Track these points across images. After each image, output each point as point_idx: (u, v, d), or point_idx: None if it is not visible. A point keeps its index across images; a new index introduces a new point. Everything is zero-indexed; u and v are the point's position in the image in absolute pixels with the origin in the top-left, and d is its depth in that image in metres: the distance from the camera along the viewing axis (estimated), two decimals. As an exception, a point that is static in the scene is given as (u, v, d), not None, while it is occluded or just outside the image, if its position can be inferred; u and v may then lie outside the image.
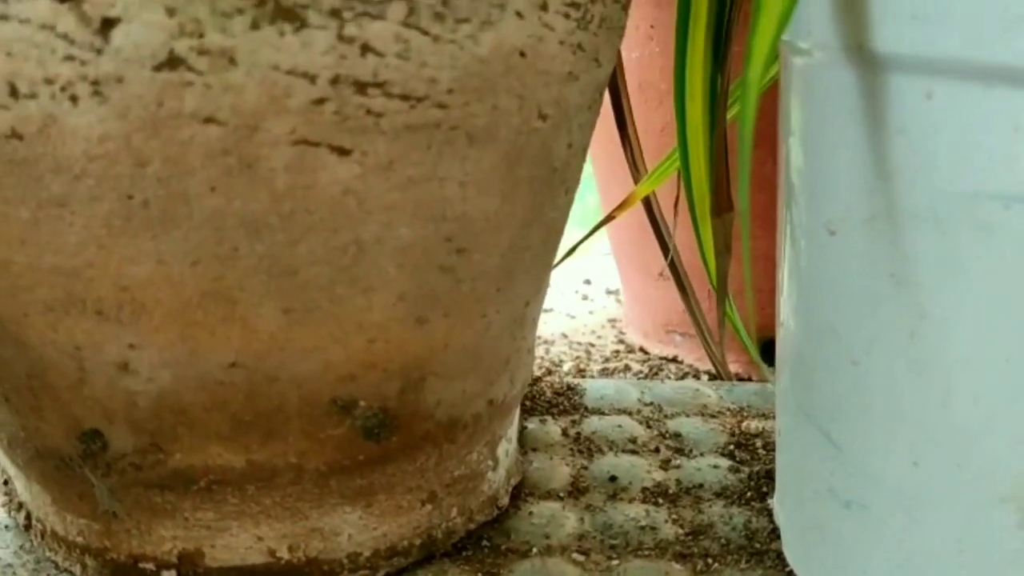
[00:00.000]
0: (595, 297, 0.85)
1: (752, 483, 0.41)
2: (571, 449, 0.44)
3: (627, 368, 0.67)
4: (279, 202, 0.26)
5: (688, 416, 0.47)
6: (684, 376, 0.66)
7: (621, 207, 0.43)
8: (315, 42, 0.24)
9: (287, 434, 0.30)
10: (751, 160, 0.25)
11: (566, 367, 0.67)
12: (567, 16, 0.28)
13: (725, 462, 0.43)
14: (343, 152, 0.26)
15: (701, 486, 0.41)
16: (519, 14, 0.27)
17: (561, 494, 0.40)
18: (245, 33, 0.23)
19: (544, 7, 0.27)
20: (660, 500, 0.40)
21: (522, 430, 0.45)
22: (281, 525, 0.32)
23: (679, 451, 0.44)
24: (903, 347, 0.27)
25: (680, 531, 0.37)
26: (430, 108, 0.26)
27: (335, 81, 0.24)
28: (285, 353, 0.29)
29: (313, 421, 0.30)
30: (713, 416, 0.47)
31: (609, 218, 0.44)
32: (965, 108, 0.23)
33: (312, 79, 0.24)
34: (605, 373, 0.67)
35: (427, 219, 0.28)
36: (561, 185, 0.33)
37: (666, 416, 0.47)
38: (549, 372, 0.65)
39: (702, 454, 0.44)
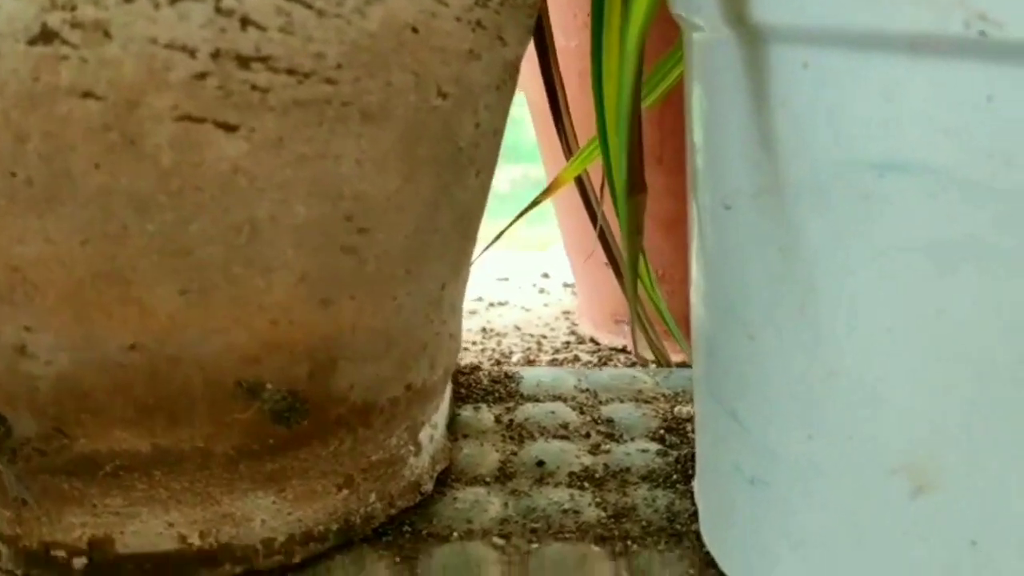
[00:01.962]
0: (552, 290, 0.85)
1: (679, 466, 0.41)
2: (502, 435, 0.44)
3: (576, 359, 0.67)
4: (166, 179, 0.26)
5: (622, 402, 0.47)
6: (632, 365, 0.66)
7: (547, 192, 0.43)
8: (192, 15, 0.24)
9: (193, 418, 0.30)
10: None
11: (515, 358, 0.67)
12: (463, -7, 0.28)
13: (654, 446, 0.43)
14: (230, 128, 0.25)
15: (628, 470, 0.41)
16: (408, -11, 0.27)
17: (488, 479, 0.40)
18: (118, 5, 0.23)
19: (436, -17, 0.27)
20: (586, 484, 0.40)
21: (455, 417, 0.45)
22: (191, 511, 0.32)
23: (610, 436, 0.44)
24: (794, 321, 0.27)
25: (603, 514, 0.38)
26: (319, 84, 0.26)
27: (216, 55, 0.24)
28: (186, 335, 0.28)
29: (219, 404, 0.30)
30: (647, 402, 0.48)
31: (535, 203, 0.44)
32: (838, 77, 0.24)
33: (192, 53, 0.24)
34: (554, 364, 0.67)
35: (324, 197, 0.28)
36: (470, 166, 0.33)
37: (601, 402, 0.47)
38: (498, 363, 0.65)
39: (632, 439, 0.44)
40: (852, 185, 0.24)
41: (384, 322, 0.32)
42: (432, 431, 0.39)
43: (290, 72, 0.25)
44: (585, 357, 0.68)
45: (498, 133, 0.35)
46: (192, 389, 0.29)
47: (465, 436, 0.44)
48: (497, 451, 0.42)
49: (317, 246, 0.29)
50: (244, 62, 0.25)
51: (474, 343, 0.70)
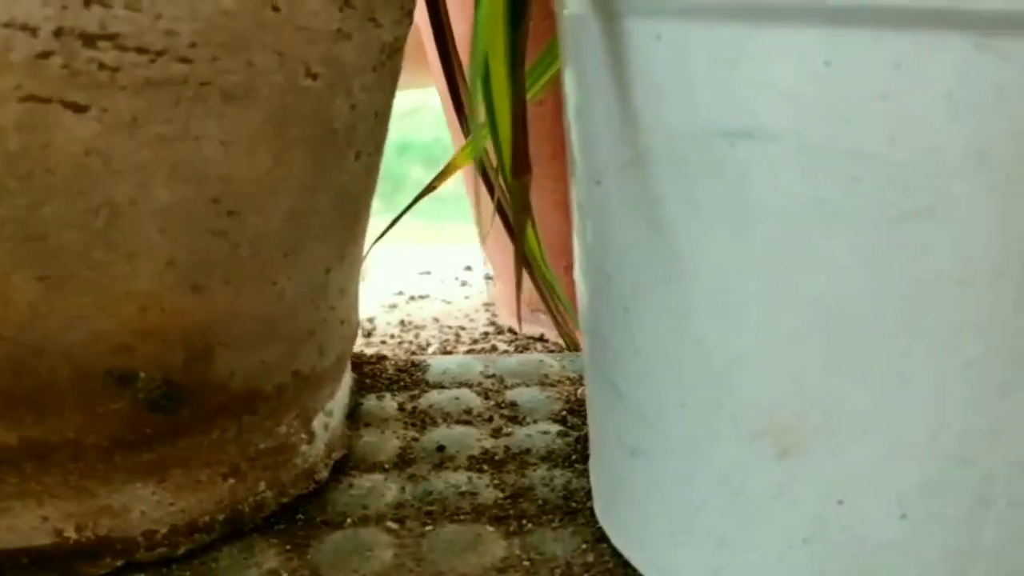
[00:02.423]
0: (475, 282, 0.85)
1: (578, 446, 0.41)
2: (405, 423, 0.44)
3: (494, 348, 0.67)
4: (14, 163, 0.25)
5: (528, 386, 0.47)
6: (548, 352, 0.66)
7: (440, 177, 0.43)
8: (29, -8, 0.23)
9: (62, 409, 0.29)
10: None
11: (431, 350, 0.67)
12: (325, -29, 0.28)
13: (556, 427, 0.43)
14: (79, 109, 0.25)
15: (528, 451, 0.41)
16: (265, -34, 0.26)
17: (387, 466, 0.40)
18: (-52, -17, 0.22)
19: (295, -39, 0.27)
20: (485, 467, 0.40)
21: (357, 406, 0.45)
22: (66, 504, 0.31)
23: (513, 419, 0.44)
24: (662, 291, 0.27)
25: (500, 495, 0.38)
26: (172, 63, 0.26)
27: (59, 33, 0.24)
28: (48, 324, 0.28)
29: (89, 395, 0.29)
30: (552, 385, 0.48)
31: (429, 188, 0.44)
32: (688, 47, 0.24)
33: (33, 31, 0.23)
34: (471, 354, 0.67)
35: (187, 180, 0.27)
36: (348, 148, 0.32)
37: (506, 387, 0.47)
38: (413, 354, 0.65)
39: (535, 421, 0.44)
40: (706, 154, 0.24)
41: (265, 308, 0.32)
42: (327, 419, 0.38)
43: (140, 51, 0.25)
44: (502, 347, 0.68)
45: (380, 115, 0.35)
46: (59, 380, 0.29)
47: (367, 425, 0.43)
48: (398, 438, 0.42)
49: (183, 230, 0.28)
50: (90, 40, 0.24)
51: (392, 336, 0.70)
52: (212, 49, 0.26)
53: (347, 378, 0.43)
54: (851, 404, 0.25)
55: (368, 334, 0.71)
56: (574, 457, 0.40)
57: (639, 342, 0.29)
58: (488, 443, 0.42)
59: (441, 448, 0.41)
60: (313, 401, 0.37)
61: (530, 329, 0.70)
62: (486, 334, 0.71)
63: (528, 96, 0.42)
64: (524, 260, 0.49)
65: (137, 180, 0.27)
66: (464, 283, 0.85)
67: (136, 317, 0.29)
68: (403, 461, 0.40)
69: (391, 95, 0.36)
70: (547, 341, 0.68)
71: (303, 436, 0.36)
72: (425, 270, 0.88)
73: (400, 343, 0.69)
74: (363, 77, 0.32)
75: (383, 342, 0.70)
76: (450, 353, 0.67)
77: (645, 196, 0.27)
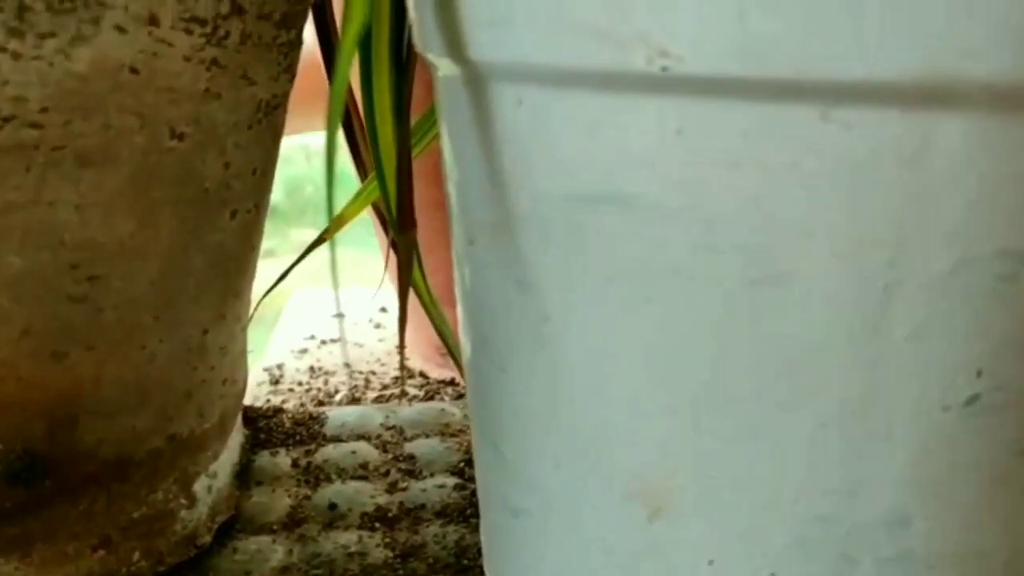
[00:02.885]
0: (389, 324, 0.84)
1: (474, 499, 0.41)
2: (297, 480, 0.43)
3: (404, 394, 0.67)
4: None
5: (428, 437, 0.47)
6: (459, 397, 0.65)
7: (330, 229, 0.42)
8: None
9: (-89, 486, 0.28)
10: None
11: (339, 397, 0.66)
12: (189, 32, 0.27)
13: (453, 480, 0.43)
14: (-81, 178, 0.24)
15: (423, 507, 0.40)
16: (120, 28, 0.26)
17: (275, 527, 0.39)
18: None
19: (154, 22, 0.26)
20: (378, 524, 0.39)
21: (250, 464, 0.44)
22: (-81, 586, 0.29)
23: (409, 473, 0.43)
24: (534, 351, 0.27)
25: (390, 554, 0.37)
26: (22, 128, 0.25)
27: None
28: None
29: (-59, 470, 0.28)
30: (453, 435, 0.47)
31: (319, 241, 0.43)
32: (548, 113, 0.24)
33: None
34: (379, 400, 0.66)
35: (41, 247, 0.27)
36: (223, 207, 0.32)
37: (405, 439, 0.47)
38: (320, 403, 0.64)
39: (432, 474, 0.43)
40: (569, 217, 0.24)
41: (134, 373, 0.31)
42: (210, 481, 0.37)
43: (-15, 117, 0.24)
44: (412, 391, 0.67)
45: (261, 172, 0.34)
46: (-92, 456, 0.27)
47: (258, 483, 0.42)
48: (289, 496, 0.41)
49: (39, 297, 0.27)
50: (-72, 107, 0.23)
51: (300, 384, 0.69)
52: (65, 113, 0.25)
53: (237, 435, 0.42)
54: (718, 466, 0.25)
55: (276, 381, 0.69)
56: (469, 512, 0.40)
57: (516, 403, 0.28)
58: (382, 499, 0.41)
59: (333, 506, 0.40)
60: (194, 464, 0.36)
61: (441, 373, 0.69)
62: (397, 379, 0.70)
63: (414, 153, 0.41)
64: (407, 315, 0.48)
65: (-14, 248, 0.26)
66: (378, 325, 0.84)
67: (-9, 388, 0.28)
68: (293, 521, 0.39)
69: (273, 149, 0.35)
70: (458, 384, 0.68)
71: (183, 501, 0.35)
72: (339, 312, 0.87)
73: (308, 390, 0.68)
74: (236, 135, 0.31)
75: (290, 390, 0.68)
76: (358, 400, 0.66)
77: (515, 258, 0.27)
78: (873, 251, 0.22)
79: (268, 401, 0.66)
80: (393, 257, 0.50)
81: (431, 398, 0.66)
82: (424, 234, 0.59)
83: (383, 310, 0.88)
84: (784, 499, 0.25)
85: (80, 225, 0.27)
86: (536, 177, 0.25)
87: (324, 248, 0.44)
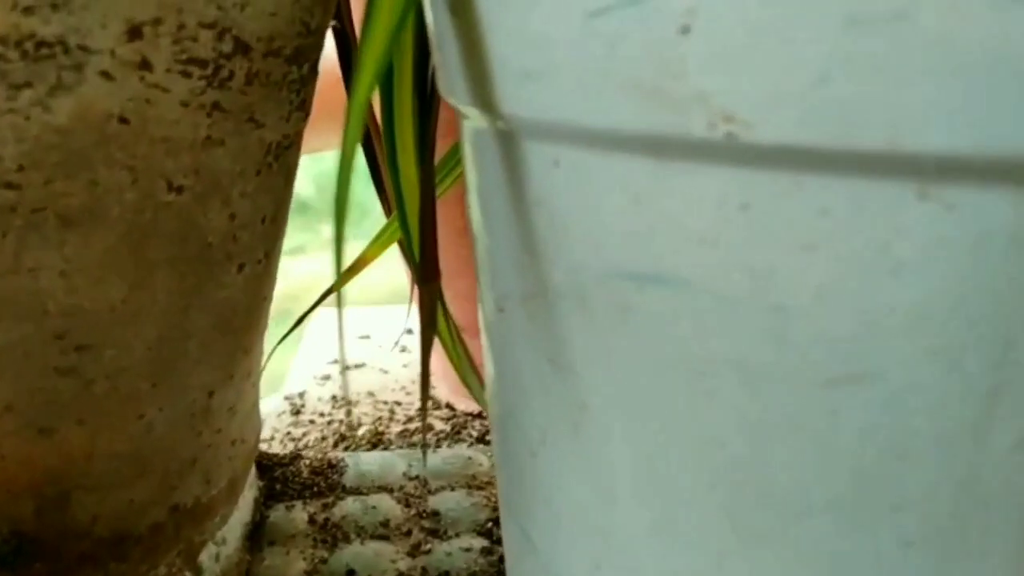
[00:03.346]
0: (415, 349, 0.81)
1: (502, 565, 0.38)
2: (314, 539, 0.40)
3: (430, 428, 0.64)
4: None
5: (453, 489, 0.44)
6: (487, 433, 0.62)
7: (351, 272, 0.39)
8: None
9: None
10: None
11: (362, 431, 0.63)
12: (187, 75, 0.25)
13: (480, 543, 0.39)
14: None
15: (447, 574, 0.37)
16: (106, 75, 0.23)
17: (288, 596, 0.36)
18: None
19: (146, 66, 0.23)
20: (398, 595, 0.36)
21: (262, 521, 0.41)
22: None
23: (433, 532, 0.40)
24: (569, 440, 0.24)
25: (411, 633, 0.34)
26: (-4, 190, 0.22)
27: None
28: None
29: (-85, 558, 0.25)
30: (480, 488, 0.44)
31: (333, 289, 0.40)
32: (587, 177, 0.21)
33: None
34: (404, 435, 0.63)
35: (21, 317, 0.24)
36: (227, 261, 0.29)
37: (430, 491, 0.44)
38: (341, 438, 0.61)
39: (458, 534, 0.40)
40: (612, 296, 0.21)
41: (131, 444, 0.28)
42: (218, 548, 0.34)
43: (-47, 179, 0.21)
44: (439, 425, 0.64)
45: (271, 218, 0.31)
46: None
47: (272, 543, 0.39)
48: (304, 559, 0.38)
49: (21, 371, 0.24)
50: None
51: (321, 415, 0.66)
52: (45, 171, 0.23)
53: (249, 492, 0.39)
54: (782, 583, 0.21)
55: (297, 412, 0.67)
56: (496, 581, 0.37)
57: (548, 492, 0.25)
58: (403, 564, 0.38)
59: (351, 572, 0.37)
60: (199, 533, 0.33)
61: (469, 405, 0.66)
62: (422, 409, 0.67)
63: (439, 192, 0.39)
64: (430, 361, 0.46)
65: (-42, 322, 0.23)
66: (404, 348, 0.81)
67: (-31, 470, 0.25)
68: (307, 590, 0.36)
69: (285, 193, 0.32)
70: (485, 418, 0.65)
71: (187, 574, 0.32)
72: (364, 334, 0.84)
73: (329, 422, 0.65)
74: (243, 184, 0.28)
75: (312, 421, 0.66)
76: (381, 435, 0.63)
77: (549, 334, 0.23)
78: (977, 350, 0.18)
79: (288, 434, 0.63)
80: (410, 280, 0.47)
81: (458, 432, 0.63)
82: (448, 260, 0.56)
83: (409, 332, 0.85)
84: (859, 622, 0.21)
85: (65, 292, 0.24)
86: (574, 248, 0.22)
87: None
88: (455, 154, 0.40)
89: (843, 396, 0.19)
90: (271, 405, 0.68)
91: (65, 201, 0.23)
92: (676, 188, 0.19)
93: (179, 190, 0.26)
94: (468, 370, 0.41)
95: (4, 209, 0.22)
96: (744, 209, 0.19)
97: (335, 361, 0.77)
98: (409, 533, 0.40)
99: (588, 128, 0.20)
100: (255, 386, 0.36)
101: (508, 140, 0.23)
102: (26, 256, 0.23)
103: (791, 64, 0.16)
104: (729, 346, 0.20)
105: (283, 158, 0.31)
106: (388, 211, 0.45)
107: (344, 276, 0.39)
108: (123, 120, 0.23)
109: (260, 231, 0.30)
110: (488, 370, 0.29)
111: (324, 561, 0.38)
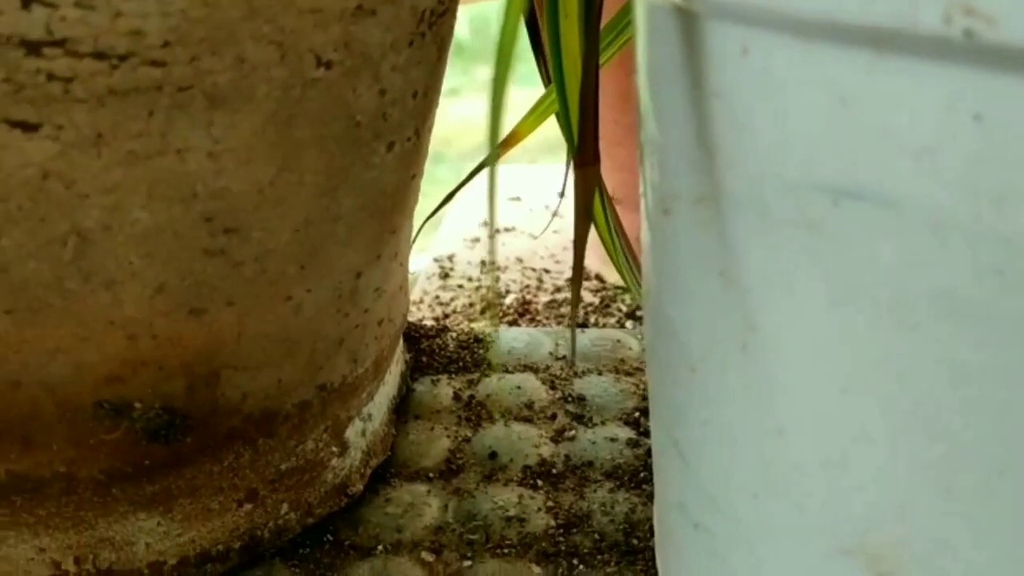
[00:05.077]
0: (566, 212, 0.79)
1: (649, 460, 0.37)
2: (458, 417, 0.40)
3: (578, 306, 0.62)
4: (-43, 190, 0.21)
5: (600, 374, 0.43)
6: (638, 308, 0.61)
7: (505, 145, 0.37)
8: (-54, -4, 0.19)
9: (50, 442, 0.26)
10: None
11: (509, 299, 0.62)
12: (337, -60, 0.23)
13: (626, 433, 0.38)
14: (29, 127, 0.21)
15: (591, 464, 0.37)
16: (252, -57, 0.21)
17: (431, 474, 0.36)
18: None
19: (293, -69, 0.22)
20: (540, 482, 0.36)
21: (408, 394, 0.41)
22: (64, 536, 0.28)
23: (578, 418, 0.39)
24: (736, 360, 0.22)
25: (552, 523, 0.33)
26: (141, 67, 0.21)
27: (-9, 42, 0.19)
28: (22, 356, 0.24)
29: (78, 427, 0.26)
30: (629, 374, 0.43)
31: (480, 167, 0.39)
32: (785, 70, 0.18)
33: (-41, 41, 0.19)
34: (551, 306, 0.62)
35: (171, 199, 0.23)
36: (376, 140, 0.27)
37: (576, 374, 0.43)
38: (488, 306, 0.61)
39: (603, 422, 0.39)
40: (800, 209, 0.19)
41: (279, 325, 0.28)
42: (364, 424, 0.35)
43: (98, 56, 0.20)
44: (588, 297, 0.63)
45: (423, 93, 0.29)
46: (43, 412, 0.26)
47: (417, 417, 0.40)
48: (448, 437, 0.38)
49: (172, 253, 0.24)
50: (34, 48, 0.20)
51: (469, 279, 0.66)
52: (191, 48, 0.21)
53: (396, 367, 0.39)
54: (967, 542, 0.19)
55: (446, 275, 0.67)
56: (642, 475, 0.36)
57: (707, 412, 0.23)
58: (546, 450, 0.37)
59: (494, 455, 0.37)
60: (346, 410, 0.33)
61: (620, 278, 0.65)
62: (571, 279, 0.66)
63: (602, 61, 0.36)
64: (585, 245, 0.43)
65: (109, 203, 0.22)
66: (555, 213, 0.80)
67: (125, 347, 0.25)
68: (450, 469, 0.36)
69: (438, 65, 0.30)
70: (635, 294, 0.63)
71: (334, 449, 0.33)
72: (515, 195, 0.83)
73: (477, 288, 0.65)
74: (394, 57, 0.26)
75: (460, 285, 0.66)
76: (529, 304, 0.62)
77: (720, 244, 0.21)
78: None
79: (437, 298, 0.63)
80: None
81: (607, 306, 0.62)
82: (607, 127, 0.53)
83: (562, 195, 0.83)
84: (1057, 588, 0.19)
85: (214, 174, 0.23)
86: (758, 150, 0.19)
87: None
88: (623, 17, 0.37)
89: (1076, 347, 0.16)
90: (420, 265, 0.68)
91: (212, 79, 0.22)
92: (894, 90, 0.16)
93: (328, 65, 0.24)
94: (624, 262, 0.39)
95: (150, 88, 0.21)
96: (977, 120, 0.15)
97: (485, 223, 0.76)
98: (553, 417, 0.39)
99: (789, 11, 0.17)
100: (403, 266, 0.35)
101: (689, 19, 0.20)
102: (174, 137, 0.22)
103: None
104: (940, 280, 0.17)
105: (436, 27, 0.29)
106: (546, 79, 0.43)
107: (497, 151, 0.37)
108: (269, -9, 0.22)
109: (411, 107, 0.29)
110: (647, 272, 0.27)
111: (467, 440, 0.38)
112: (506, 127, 0.38)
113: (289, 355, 0.29)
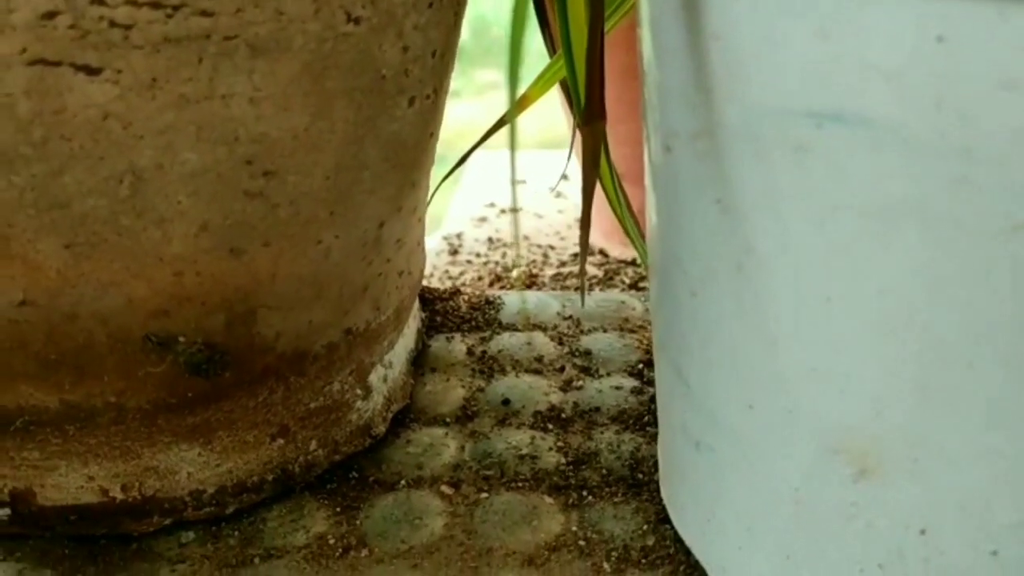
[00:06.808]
0: (571, 194, 0.82)
1: (652, 405, 0.39)
2: (472, 369, 0.42)
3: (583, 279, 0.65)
4: (27, 130, 0.23)
5: (606, 331, 0.45)
6: (640, 280, 0.63)
7: (517, 109, 0.39)
8: (24, -53, 0.21)
9: (101, 373, 0.28)
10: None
11: (516, 273, 0.65)
12: (366, -96, 0.25)
13: (630, 382, 0.41)
14: (92, 71, 0.23)
15: (598, 409, 0.39)
16: (292, -95, 0.23)
17: (448, 419, 0.38)
18: (-66, -60, 0.20)
19: None
20: (550, 425, 0.38)
21: (424, 349, 0.43)
22: (112, 464, 0.30)
23: (585, 370, 0.42)
24: (732, 282, 0.24)
25: (562, 460, 0.36)
26: (192, 17, 0.23)
27: (62, -9, 0.22)
28: (79, 290, 0.27)
29: (128, 359, 0.28)
30: (632, 331, 0.45)
31: (500, 124, 0.41)
32: (772, 7, 0.20)
33: (34, -10, 0.21)
34: (557, 279, 0.64)
35: (215, 142, 0.25)
36: (399, 95, 0.30)
37: (582, 331, 0.45)
38: (496, 279, 0.63)
39: (609, 373, 0.41)
40: (787, 135, 0.21)
41: (310, 267, 0.30)
42: (386, 371, 0.37)
43: (154, 5, 0.23)
44: (592, 271, 0.65)
45: (440, 53, 0.32)
46: (96, 344, 0.28)
47: (433, 370, 0.42)
48: (463, 387, 0.41)
49: (215, 193, 0.26)
50: (98, -3, 0.22)
51: (478, 255, 0.68)
52: (236, 0, 0.24)
53: (413, 322, 0.41)
54: (940, 433, 0.21)
55: (454, 252, 0.69)
56: (646, 419, 0.38)
57: (706, 332, 0.26)
58: (555, 397, 0.40)
59: (507, 402, 0.39)
60: (369, 355, 0.35)
61: (623, 252, 0.67)
62: (575, 256, 0.68)
63: (607, 26, 0.38)
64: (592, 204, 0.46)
65: (161, 144, 0.25)
66: (559, 194, 0.82)
67: (171, 282, 0.27)
68: (466, 415, 0.39)
69: (455, 28, 0.33)
70: (638, 265, 0.65)
71: (358, 392, 0.35)
72: (520, 179, 0.85)
73: (485, 263, 0.67)
74: (415, 16, 0.29)
75: (468, 261, 0.68)
76: (535, 276, 0.64)
77: (717, 174, 0.23)
78: None
79: (447, 272, 0.65)
80: (579, 138, 0.47)
81: (611, 278, 0.64)
82: (610, 104, 0.56)
83: (565, 178, 0.86)
84: (1018, 474, 0.21)
85: (254, 119, 0.26)
86: (751, 84, 0.21)
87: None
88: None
89: (1030, 245, 0.18)
90: (430, 244, 0.70)
91: (254, 29, 0.24)
92: (867, 19, 0.18)
93: (357, 21, 0.26)
94: (627, 215, 0.41)
95: (200, 36, 0.23)
96: (940, 41, 0.18)
97: (491, 204, 0.79)
98: (562, 369, 0.42)
99: (776, -45, 0.19)
100: (421, 221, 0.37)
101: (688, -30, 0.22)
102: (219, 83, 0.24)
103: None
104: (911, 190, 0.19)
105: (454, -9, 0.31)
106: (551, 49, 0.45)
107: (511, 112, 0.39)
108: (306, -51, 0.24)
109: (430, 65, 0.31)
110: (650, 212, 0.29)
111: (481, 390, 0.40)
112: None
113: (318, 297, 0.31)
